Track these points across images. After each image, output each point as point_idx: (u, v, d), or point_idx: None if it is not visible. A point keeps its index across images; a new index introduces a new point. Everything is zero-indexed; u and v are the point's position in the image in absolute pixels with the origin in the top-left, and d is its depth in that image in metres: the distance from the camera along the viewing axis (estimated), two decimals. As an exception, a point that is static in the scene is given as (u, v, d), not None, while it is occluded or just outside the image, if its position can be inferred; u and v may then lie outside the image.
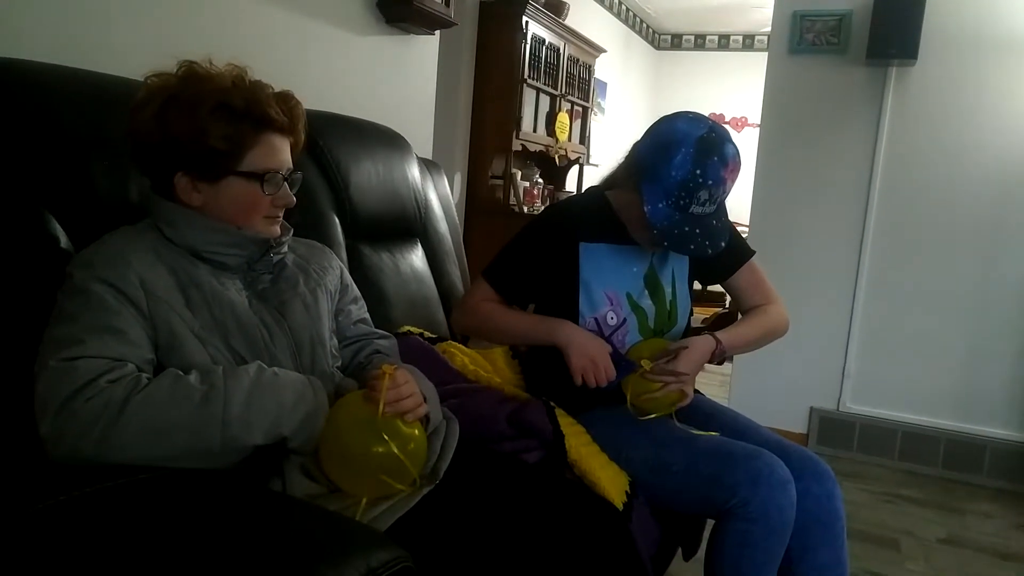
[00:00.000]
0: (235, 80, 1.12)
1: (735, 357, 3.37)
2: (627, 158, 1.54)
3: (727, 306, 5.17)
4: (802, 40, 3.10)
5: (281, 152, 1.17)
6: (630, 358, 1.48)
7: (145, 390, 0.95)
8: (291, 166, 1.19)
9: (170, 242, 1.10)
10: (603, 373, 1.45)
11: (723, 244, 1.43)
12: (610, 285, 1.53)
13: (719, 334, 1.53)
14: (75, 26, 1.50)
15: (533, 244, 1.58)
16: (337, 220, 1.78)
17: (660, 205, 1.40)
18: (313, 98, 1.93)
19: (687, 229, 1.40)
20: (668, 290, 1.58)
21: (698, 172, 1.36)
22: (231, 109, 1.09)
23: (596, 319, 1.52)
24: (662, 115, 1.49)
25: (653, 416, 1.48)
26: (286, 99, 1.18)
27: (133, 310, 1.01)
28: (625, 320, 1.53)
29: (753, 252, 1.67)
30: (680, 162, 1.36)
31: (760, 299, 1.66)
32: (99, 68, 1.35)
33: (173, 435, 0.95)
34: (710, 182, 1.36)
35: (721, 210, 1.45)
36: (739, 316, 1.70)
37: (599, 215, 1.58)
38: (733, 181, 1.41)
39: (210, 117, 1.08)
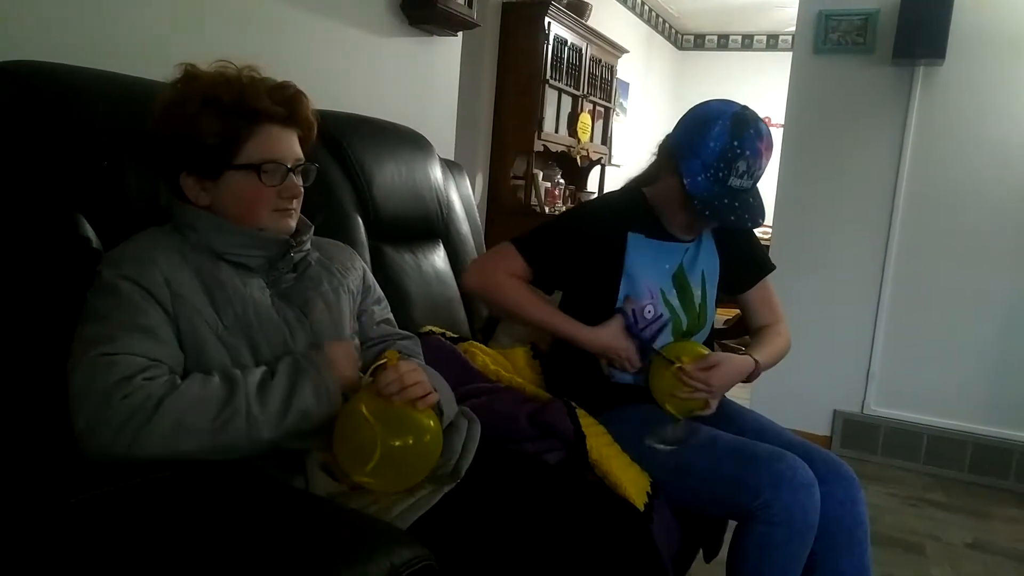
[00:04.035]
0: (226, 76, 1.13)
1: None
2: (659, 151, 1.57)
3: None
4: (827, 40, 3.07)
5: (282, 143, 1.16)
6: (666, 356, 1.49)
7: (177, 391, 0.97)
8: (299, 157, 1.18)
9: (193, 244, 1.12)
10: (627, 365, 1.50)
11: (761, 221, 1.45)
12: (650, 278, 1.54)
13: (756, 355, 1.55)
14: (103, 29, 1.53)
15: (580, 229, 1.57)
16: (360, 220, 1.80)
17: (700, 179, 1.43)
18: (337, 99, 1.96)
19: (727, 201, 1.42)
20: (697, 292, 1.58)
21: (735, 144, 1.39)
22: (219, 104, 1.10)
23: (635, 311, 1.52)
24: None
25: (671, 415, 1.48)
26: (281, 89, 1.17)
27: (159, 309, 1.03)
28: (661, 315, 1.54)
29: (774, 267, 1.69)
30: (718, 134, 1.40)
31: (770, 317, 1.69)
32: (127, 71, 1.36)
33: (200, 435, 0.96)
34: (748, 152, 1.40)
35: (757, 190, 1.47)
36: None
37: (639, 208, 1.59)
38: (767, 159, 1.44)
39: (199, 113, 1.09)
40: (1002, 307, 2.95)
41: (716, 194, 1.42)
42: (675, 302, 1.55)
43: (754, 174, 1.43)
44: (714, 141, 1.40)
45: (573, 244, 1.56)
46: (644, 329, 1.52)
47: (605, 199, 1.72)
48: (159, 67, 1.16)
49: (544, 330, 1.61)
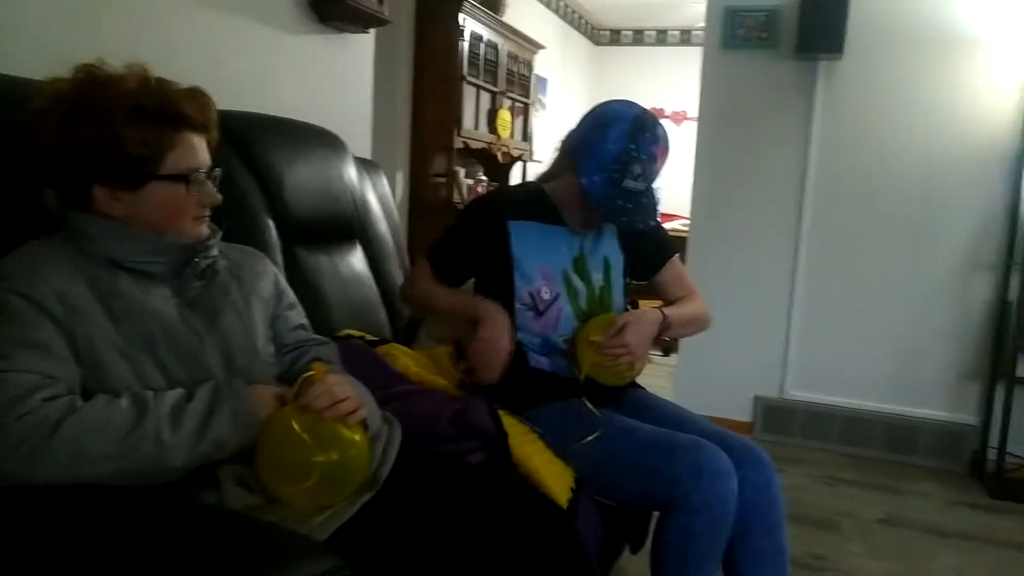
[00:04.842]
0: (141, 81, 1.08)
1: (680, 349, 3.42)
2: (561, 147, 1.64)
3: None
4: (735, 35, 3.16)
5: (200, 150, 1.13)
6: (580, 337, 1.55)
7: (78, 413, 0.93)
8: (210, 163, 1.16)
9: (88, 254, 1.06)
10: (499, 354, 1.52)
11: (652, 222, 1.53)
12: (542, 261, 1.59)
13: (664, 309, 1.61)
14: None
15: (465, 228, 1.66)
16: (272, 224, 1.75)
17: (596, 178, 1.49)
18: (244, 99, 1.91)
19: (620, 202, 1.49)
20: (598, 277, 1.64)
21: (632, 147, 1.45)
22: (144, 111, 1.05)
23: (531, 293, 1.57)
24: None
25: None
26: (197, 95, 1.14)
27: (52, 325, 0.97)
28: (558, 295, 1.58)
29: (676, 251, 1.77)
30: (616, 136, 1.46)
31: (684, 292, 1.75)
32: (8, 70, 1.29)
33: (104, 460, 0.92)
34: (643, 156, 1.46)
35: (651, 190, 1.53)
36: None
37: (532, 198, 1.66)
38: (663, 162, 1.50)
39: (124, 122, 1.03)
40: (906, 292, 3.09)
41: (611, 195, 1.48)
42: (578, 284, 1.61)
43: (649, 176, 1.49)
44: (612, 143, 1.46)
45: (460, 244, 1.66)
46: (545, 311, 1.57)
47: (494, 192, 1.81)
48: (46, 66, 1.09)
49: (454, 315, 1.66)
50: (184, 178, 1.09)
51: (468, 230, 1.65)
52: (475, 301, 1.60)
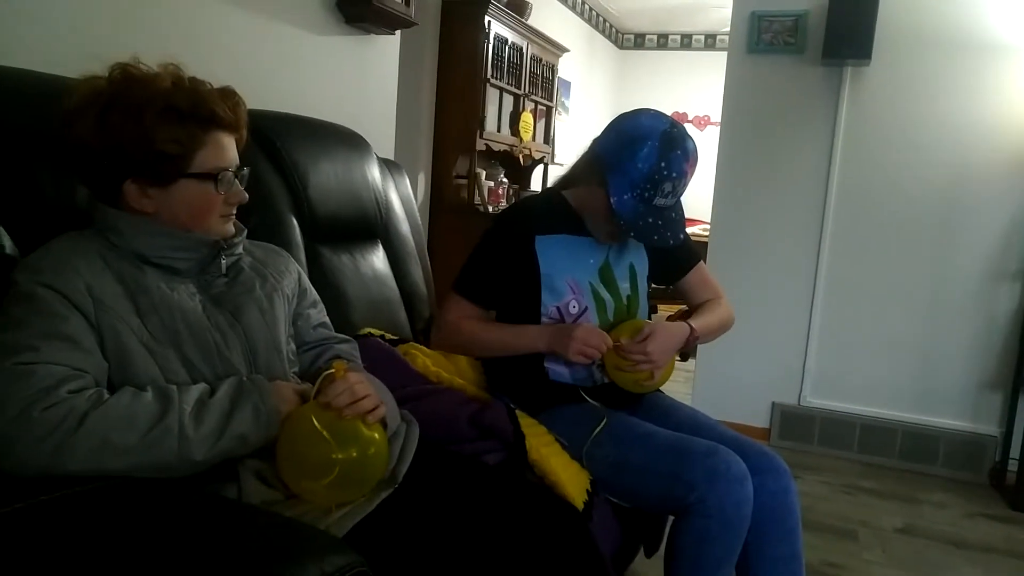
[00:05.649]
0: (174, 80, 1.10)
1: (699, 354, 3.41)
2: (587, 155, 1.59)
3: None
4: (760, 40, 3.14)
5: (229, 149, 1.15)
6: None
7: (104, 405, 0.94)
8: (238, 163, 1.17)
9: (117, 248, 1.08)
10: (597, 343, 1.48)
11: (682, 236, 1.50)
12: (571, 274, 1.57)
13: (691, 321, 1.60)
14: (17, 24, 1.47)
15: (494, 246, 1.62)
16: (296, 222, 1.77)
17: (626, 197, 1.46)
18: (271, 99, 1.93)
19: (651, 220, 1.46)
20: (625, 285, 1.63)
21: (663, 165, 1.42)
22: (177, 111, 1.07)
23: (559, 307, 1.56)
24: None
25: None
26: (229, 96, 1.16)
27: (80, 318, 0.99)
28: (587, 308, 1.57)
29: (701, 256, 1.77)
30: (646, 155, 1.42)
31: (709, 294, 1.75)
32: (47, 69, 1.31)
33: (127, 453, 0.93)
34: (674, 174, 1.43)
35: (679, 204, 1.52)
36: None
37: (555, 209, 1.63)
38: (691, 175, 1.48)
39: (156, 121, 1.05)
40: (928, 300, 3.06)
41: (641, 213, 1.46)
42: (605, 295, 1.59)
43: (678, 192, 1.47)
44: (643, 162, 1.43)
45: (493, 264, 1.61)
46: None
47: (515, 207, 1.76)
48: (82, 65, 1.11)
49: (511, 352, 1.60)
50: (213, 176, 1.11)
51: (497, 250, 1.61)
52: (535, 332, 1.55)
